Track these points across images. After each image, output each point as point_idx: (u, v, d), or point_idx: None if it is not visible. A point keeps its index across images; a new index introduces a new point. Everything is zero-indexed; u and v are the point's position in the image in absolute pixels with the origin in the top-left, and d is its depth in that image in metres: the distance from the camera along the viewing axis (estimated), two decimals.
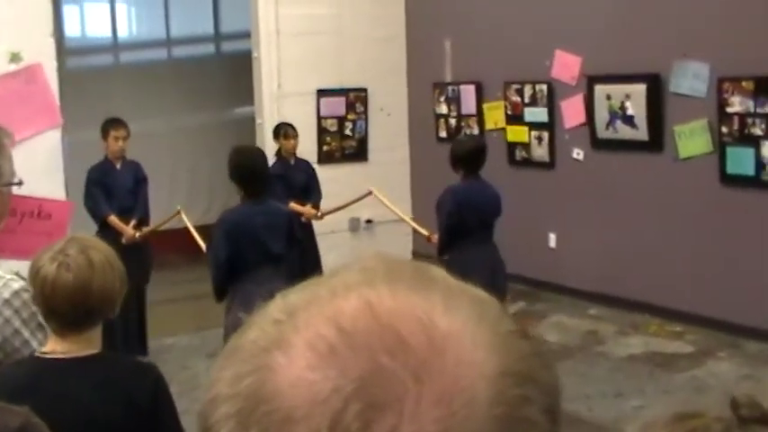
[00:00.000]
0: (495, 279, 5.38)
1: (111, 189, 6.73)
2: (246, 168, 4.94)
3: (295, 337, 0.56)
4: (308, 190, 7.50)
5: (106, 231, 6.33)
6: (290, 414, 0.53)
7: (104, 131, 6.80)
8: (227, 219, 4.96)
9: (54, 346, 2.27)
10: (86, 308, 2.23)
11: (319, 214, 7.43)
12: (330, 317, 0.56)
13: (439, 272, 0.62)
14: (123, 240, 6.40)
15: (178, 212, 6.83)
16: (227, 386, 0.57)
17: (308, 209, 7.35)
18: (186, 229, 6.59)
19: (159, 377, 2.40)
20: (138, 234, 6.61)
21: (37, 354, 2.31)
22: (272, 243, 4.90)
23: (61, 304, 2.21)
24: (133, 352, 6.19)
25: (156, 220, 7.07)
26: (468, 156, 5.78)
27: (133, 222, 6.68)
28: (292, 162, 7.63)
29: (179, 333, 7.40)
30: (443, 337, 0.56)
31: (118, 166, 6.84)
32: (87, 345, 2.29)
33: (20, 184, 2.37)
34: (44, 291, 2.22)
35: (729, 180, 6.87)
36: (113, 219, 6.61)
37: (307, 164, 7.78)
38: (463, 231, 5.60)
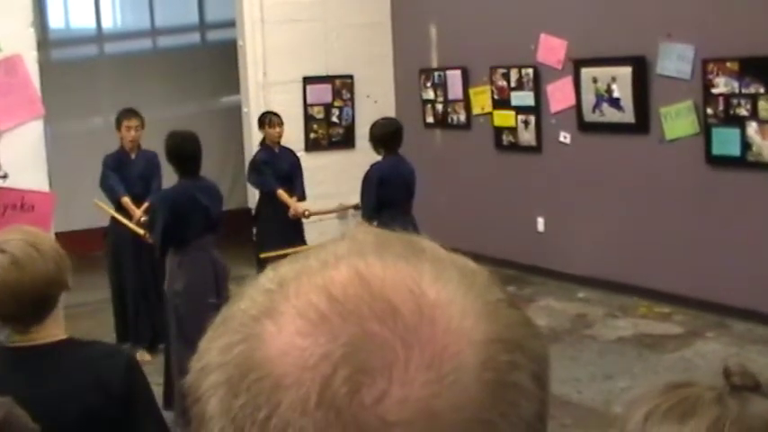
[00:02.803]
0: None
1: (125, 178, 6.88)
2: (177, 151, 5.57)
3: (285, 306, 0.56)
4: (293, 179, 7.53)
5: (119, 225, 6.61)
6: (279, 381, 0.54)
7: (117, 122, 6.97)
8: (168, 194, 5.65)
9: (19, 337, 2.26)
10: (31, 300, 2.20)
11: (307, 213, 7.52)
12: (321, 285, 0.57)
13: (428, 243, 0.62)
14: (133, 222, 6.62)
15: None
16: (218, 355, 0.57)
17: (295, 204, 7.43)
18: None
19: (131, 359, 2.40)
20: (143, 219, 6.67)
21: (3, 345, 2.29)
22: (211, 213, 5.55)
23: (5, 307, 2.19)
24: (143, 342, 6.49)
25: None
26: (387, 137, 6.44)
27: (145, 206, 6.74)
28: (277, 150, 7.63)
29: None
30: (432, 305, 0.56)
31: (132, 155, 6.99)
32: (52, 331, 2.27)
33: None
34: None
35: (715, 161, 6.87)
36: (126, 200, 6.78)
37: (292, 153, 7.80)
38: (389, 202, 6.34)
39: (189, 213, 5.43)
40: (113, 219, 6.79)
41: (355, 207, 8.15)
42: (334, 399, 0.52)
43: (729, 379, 1.03)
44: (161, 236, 5.48)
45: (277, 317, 0.56)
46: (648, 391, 1.08)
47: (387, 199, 6.35)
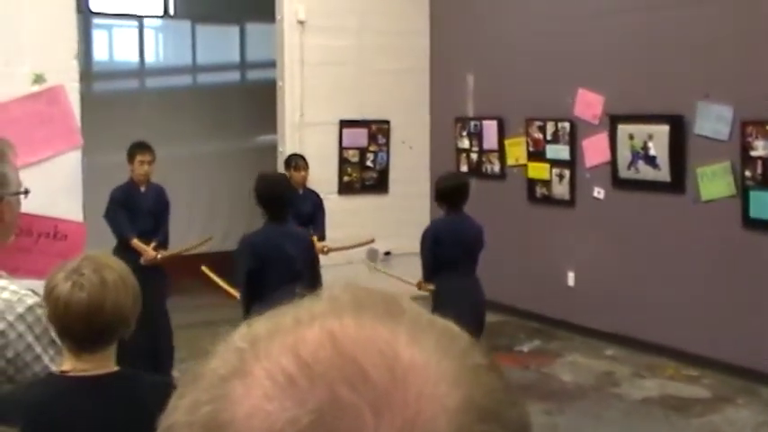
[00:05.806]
0: (476, 311, 5.81)
1: (134, 211, 6.86)
2: (269, 194, 5.34)
3: (255, 367, 0.55)
4: (314, 220, 7.54)
5: (124, 251, 6.40)
6: None
7: (130, 155, 6.95)
8: (251, 239, 5.33)
9: (71, 365, 2.26)
10: (100, 327, 2.23)
11: (326, 250, 7.50)
12: (291, 346, 0.55)
13: (409, 303, 0.60)
14: (142, 261, 6.55)
15: (208, 239, 7.28)
16: (185, 414, 0.56)
17: (316, 242, 7.42)
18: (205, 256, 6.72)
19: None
20: (159, 256, 6.67)
21: (54, 372, 2.30)
22: (296, 261, 5.22)
23: (75, 323, 2.20)
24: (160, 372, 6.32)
25: (176, 245, 7.13)
26: (450, 192, 6.14)
27: (153, 245, 6.79)
28: (301, 192, 7.67)
29: (197, 358, 7.38)
30: (405, 369, 0.54)
31: (142, 189, 6.99)
32: (104, 363, 2.29)
33: (26, 193, 2.37)
34: (57, 310, 2.22)
35: (752, 224, 6.79)
36: (136, 242, 6.74)
37: (316, 195, 7.81)
38: (447, 262, 5.96)
39: (272, 261, 5.11)
40: (118, 246, 6.61)
41: (371, 242, 8.12)
42: None
43: None
44: (246, 285, 5.12)
45: (246, 378, 0.54)
46: None
47: (444, 258, 5.97)
